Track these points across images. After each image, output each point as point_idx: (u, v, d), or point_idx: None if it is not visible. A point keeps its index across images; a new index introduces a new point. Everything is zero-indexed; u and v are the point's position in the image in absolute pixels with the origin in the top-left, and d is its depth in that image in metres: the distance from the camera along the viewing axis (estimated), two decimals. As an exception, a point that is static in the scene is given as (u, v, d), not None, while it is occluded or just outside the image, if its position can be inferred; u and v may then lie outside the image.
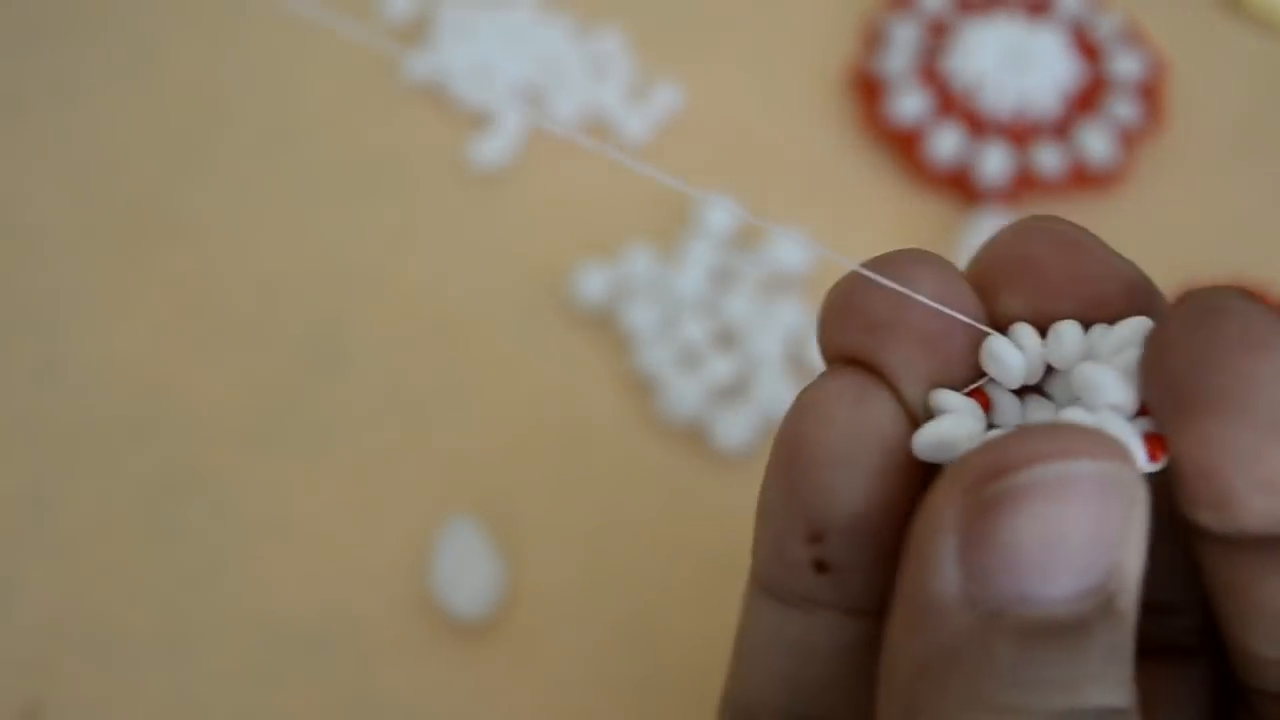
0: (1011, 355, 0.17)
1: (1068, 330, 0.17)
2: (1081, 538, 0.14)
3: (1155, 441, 0.16)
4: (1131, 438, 0.16)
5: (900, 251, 0.17)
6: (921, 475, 0.17)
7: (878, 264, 0.17)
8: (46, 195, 0.39)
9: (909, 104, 0.38)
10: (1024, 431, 0.15)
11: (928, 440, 0.16)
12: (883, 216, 0.38)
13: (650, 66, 0.41)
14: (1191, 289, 0.16)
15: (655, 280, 0.36)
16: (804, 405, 0.17)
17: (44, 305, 0.37)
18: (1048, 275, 0.17)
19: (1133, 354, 0.16)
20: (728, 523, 0.33)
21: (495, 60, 0.40)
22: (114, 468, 0.34)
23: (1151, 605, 0.16)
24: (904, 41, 0.40)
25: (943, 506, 0.15)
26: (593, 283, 0.36)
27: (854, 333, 0.17)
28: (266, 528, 0.33)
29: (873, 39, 0.41)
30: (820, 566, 0.17)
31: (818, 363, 0.18)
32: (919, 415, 0.17)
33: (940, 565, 0.15)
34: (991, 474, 0.15)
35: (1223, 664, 0.18)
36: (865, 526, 0.17)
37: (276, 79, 0.41)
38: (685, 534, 0.33)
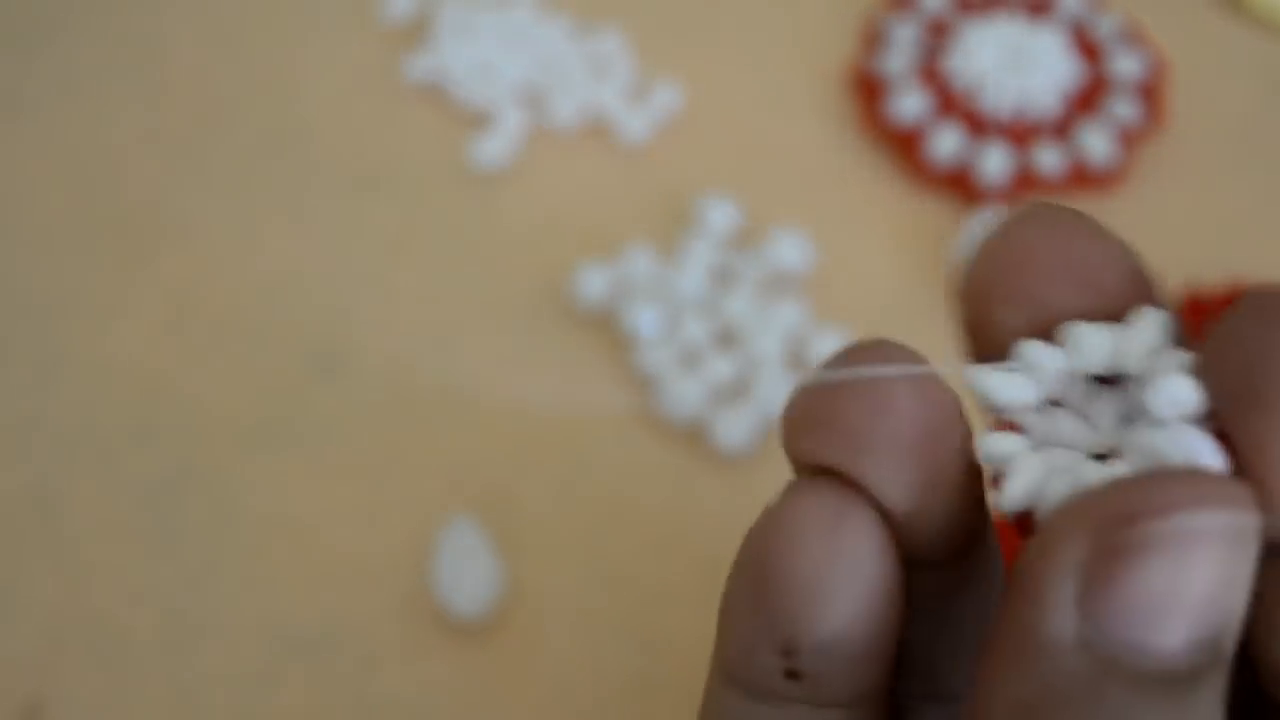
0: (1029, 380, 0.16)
1: (1088, 334, 0.16)
2: (1206, 590, 0.14)
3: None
4: (1212, 452, 0.15)
5: (860, 346, 0.16)
6: (904, 586, 0.16)
7: (846, 360, 0.16)
8: (47, 195, 0.39)
9: (909, 104, 0.38)
10: (1158, 476, 0.15)
11: (1014, 498, 0.16)
12: (883, 216, 0.38)
13: (650, 66, 0.41)
14: (1252, 287, 0.16)
15: (655, 280, 0.36)
16: (774, 524, 0.16)
17: (44, 305, 0.37)
18: (1047, 265, 0.17)
19: (1183, 357, 0.16)
20: (728, 523, 0.33)
21: (495, 60, 0.40)
22: (114, 468, 0.34)
23: None
24: (904, 41, 0.40)
25: (1065, 547, 0.15)
26: (593, 283, 0.36)
27: (828, 446, 0.16)
28: (266, 527, 0.33)
29: (873, 39, 0.41)
30: (792, 674, 0.16)
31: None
32: (903, 526, 0.16)
33: (1057, 606, 0.14)
34: (1124, 519, 0.14)
35: (1242, 680, 0.18)
36: (840, 645, 0.16)
37: (276, 79, 0.41)
38: (685, 534, 0.33)
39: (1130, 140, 0.38)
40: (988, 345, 0.17)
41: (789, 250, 0.36)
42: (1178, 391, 0.16)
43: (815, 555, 0.16)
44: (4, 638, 0.32)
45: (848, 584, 0.16)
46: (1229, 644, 0.15)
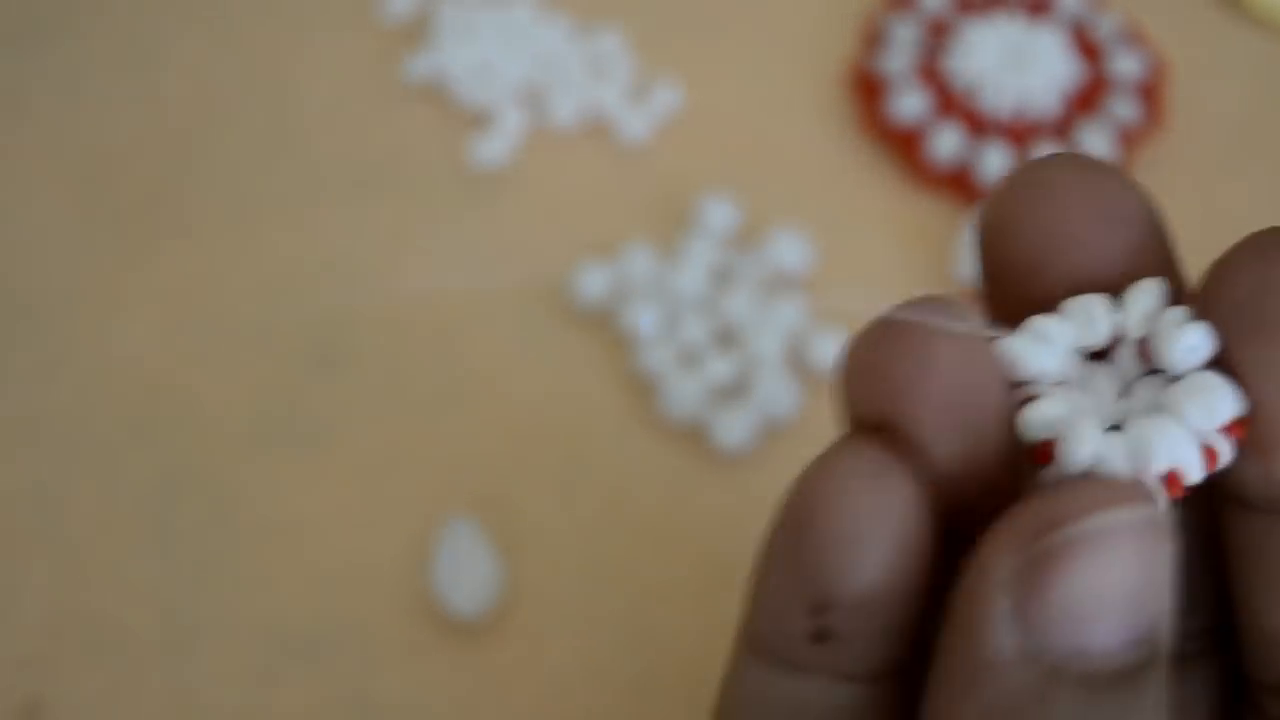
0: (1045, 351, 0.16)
1: (1095, 305, 0.16)
2: (1130, 585, 0.15)
3: (1209, 454, 0.16)
4: (1233, 396, 0.16)
5: (910, 302, 0.17)
6: (938, 553, 0.17)
7: (887, 323, 0.16)
8: (47, 195, 0.39)
9: (909, 104, 0.38)
10: (1067, 488, 0.15)
11: (1037, 422, 0.16)
12: (883, 216, 0.38)
13: (650, 66, 0.41)
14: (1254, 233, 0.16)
15: (655, 280, 0.36)
16: (816, 479, 0.17)
17: (44, 305, 0.37)
18: (1068, 212, 0.17)
19: (1181, 312, 0.16)
20: (728, 523, 0.33)
21: (495, 60, 0.40)
22: (114, 468, 0.34)
23: None
24: (904, 41, 0.40)
25: (994, 566, 0.15)
26: (592, 282, 0.36)
27: (873, 398, 0.16)
28: (266, 527, 0.33)
29: (873, 39, 0.41)
30: (819, 637, 0.17)
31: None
32: (945, 484, 0.16)
33: (996, 624, 0.15)
34: (1043, 529, 0.15)
35: (1227, 669, 0.18)
36: (873, 603, 0.16)
37: (276, 79, 0.41)
38: (685, 534, 0.33)
39: (1130, 140, 0.38)
40: (1006, 286, 0.17)
41: (789, 250, 0.36)
42: (1192, 339, 0.16)
43: (855, 507, 0.16)
44: (4, 638, 0.32)
45: (885, 538, 0.16)
46: (1162, 640, 0.15)
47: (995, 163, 0.37)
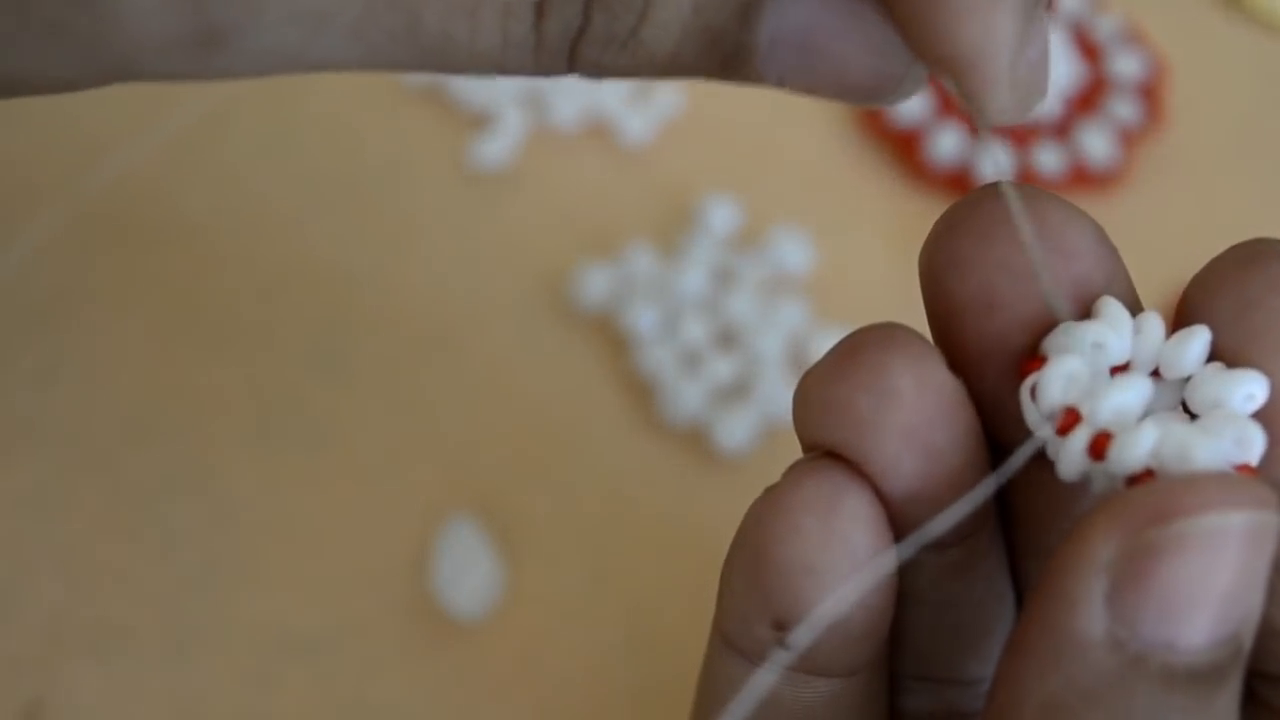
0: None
1: (1122, 316, 0.17)
2: (1230, 587, 0.15)
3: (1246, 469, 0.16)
4: (1261, 438, 0.16)
5: (868, 331, 0.17)
6: (895, 579, 0.17)
7: (851, 348, 0.17)
8: (46, 194, 0.39)
9: (909, 104, 0.38)
10: (1187, 479, 0.15)
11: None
12: (883, 216, 0.38)
13: (650, 67, 0.41)
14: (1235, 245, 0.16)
15: (656, 281, 0.36)
16: (773, 504, 0.17)
17: (44, 306, 0.37)
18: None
19: (1205, 336, 0.16)
20: (728, 524, 0.33)
21: (495, 60, 0.40)
22: (114, 468, 0.34)
23: None
24: (904, 42, 0.40)
25: (1097, 545, 0.15)
26: (593, 283, 0.36)
27: (836, 430, 0.16)
28: (266, 528, 0.33)
29: (873, 39, 0.41)
30: (786, 645, 0.17)
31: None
32: (904, 510, 0.16)
33: (1089, 604, 0.15)
34: (1155, 518, 0.15)
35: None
36: (833, 625, 0.16)
37: (277, 79, 0.41)
38: (685, 534, 0.33)
39: (1130, 140, 0.38)
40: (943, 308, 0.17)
41: (790, 251, 0.36)
42: (1250, 388, 0.16)
43: (810, 536, 0.16)
44: (4, 638, 0.32)
45: (841, 566, 0.16)
46: (1248, 641, 0.15)
47: (995, 164, 0.37)
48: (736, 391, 0.35)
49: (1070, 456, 0.16)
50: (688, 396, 0.34)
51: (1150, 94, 0.39)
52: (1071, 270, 0.17)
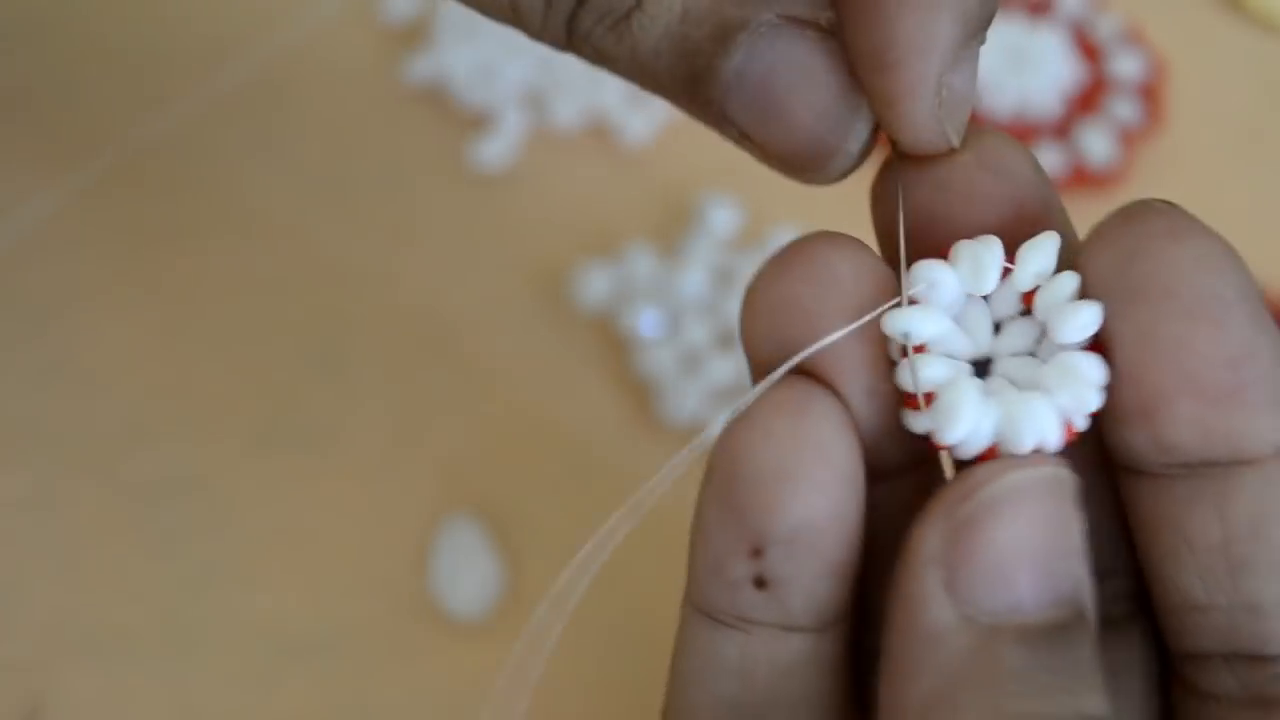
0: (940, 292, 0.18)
1: (984, 254, 0.17)
2: (1044, 538, 0.16)
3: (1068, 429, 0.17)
4: (1101, 370, 0.17)
5: (804, 237, 0.18)
6: (866, 484, 0.17)
7: (792, 250, 0.18)
8: (47, 194, 0.39)
9: (909, 104, 0.38)
10: (980, 465, 0.16)
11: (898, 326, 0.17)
12: (883, 217, 0.38)
13: (650, 67, 0.41)
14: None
15: (656, 281, 0.36)
16: (742, 420, 0.17)
17: (44, 306, 0.37)
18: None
19: (1073, 278, 0.17)
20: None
21: (496, 61, 0.40)
22: (114, 469, 0.34)
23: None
24: (904, 42, 0.40)
25: (926, 542, 0.16)
26: (594, 284, 0.36)
27: (783, 326, 0.17)
28: (266, 528, 0.33)
29: (873, 39, 0.41)
30: (760, 582, 0.17)
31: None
32: (859, 412, 0.17)
33: (932, 596, 0.16)
34: (961, 499, 0.16)
35: (1157, 634, 0.18)
36: (808, 539, 0.17)
37: (277, 79, 0.41)
38: (685, 534, 0.33)
39: (1130, 140, 0.38)
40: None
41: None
42: (1083, 319, 0.17)
43: (783, 439, 0.17)
44: (4, 638, 0.32)
45: (814, 467, 0.17)
46: (1090, 612, 0.16)
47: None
48: (736, 392, 0.35)
49: (914, 425, 0.17)
50: (688, 397, 0.34)
51: (1150, 94, 0.39)
52: (1007, 191, 0.18)
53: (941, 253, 0.18)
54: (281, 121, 0.40)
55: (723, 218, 0.37)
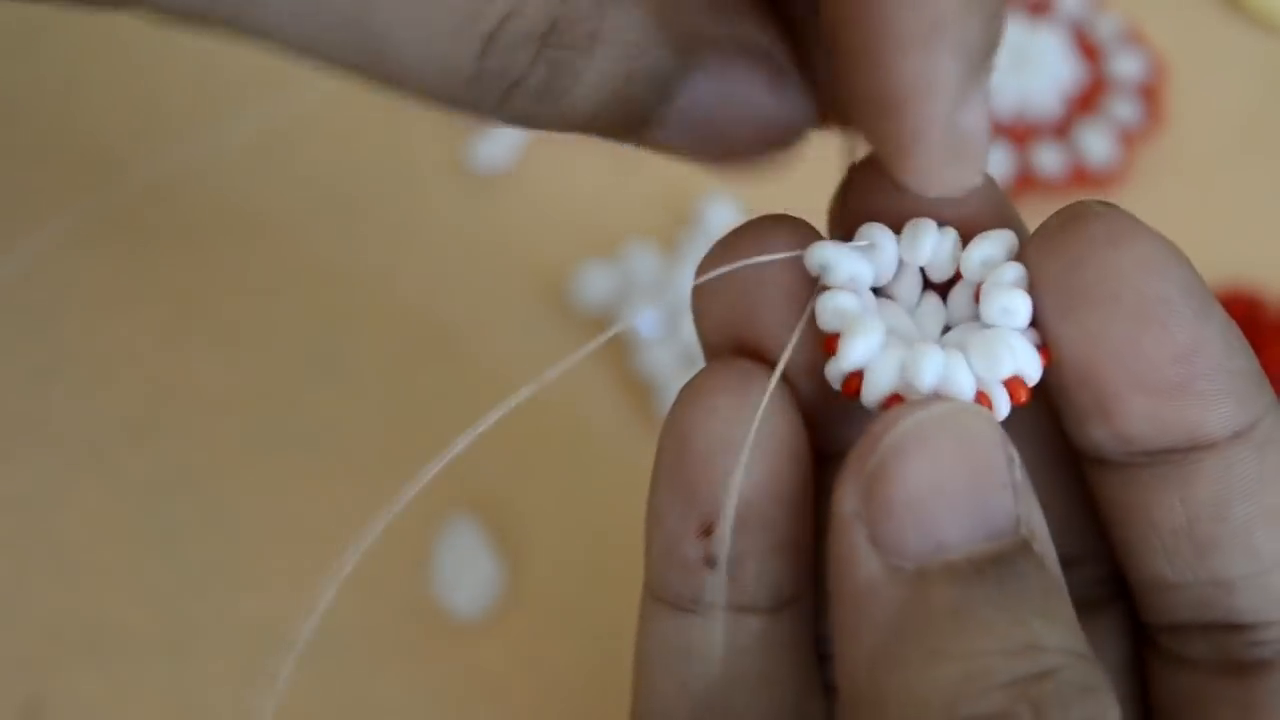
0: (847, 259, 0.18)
1: (927, 229, 0.18)
2: (965, 473, 0.15)
3: (1015, 384, 0.17)
4: (1034, 359, 0.17)
5: (748, 224, 0.18)
6: (812, 457, 0.17)
7: (737, 232, 0.18)
8: (47, 195, 0.39)
9: (909, 104, 0.38)
10: (884, 413, 0.16)
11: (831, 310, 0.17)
12: (883, 217, 0.38)
13: (650, 67, 0.41)
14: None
15: (656, 280, 0.36)
16: (686, 399, 0.17)
17: (44, 306, 0.37)
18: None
19: (1020, 270, 0.17)
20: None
21: (495, 61, 0.40)
22: (114, 469, 0.34)
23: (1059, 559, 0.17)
24: (904, 42, 0.40)
25: (844, 501, 0.16)
26: (594, 283, 0.36)
27: (731, 304, 0.18)
28: (266, 527, 0.33)
29: (873, 39, 0.41)
30: (713, 561, 0.17)
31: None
32: (803, 390, 0.17)
33: (858, 552, 0.16)
34: (868, 451, 0.16)
35: (1132, 612, 0.19)
36: (757, 512, 0.17)
37: (275, 79, 0.41)
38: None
39: (1130, 140, 0.38)
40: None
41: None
42: (1011, 303, 0.17)
43: (727, 413, 0.17)
44: (4, 638, 0.32)
45: (758, 440, 0.17)
46: (1041, 545, 0.16)
47: (995, 163, 0.37)
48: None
49: (829, 373, 0.17)
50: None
51: (1150, 94, 0.39)
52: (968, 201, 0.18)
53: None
54: (280, 120, 0.40)
55: (723, 218, 0.37)
